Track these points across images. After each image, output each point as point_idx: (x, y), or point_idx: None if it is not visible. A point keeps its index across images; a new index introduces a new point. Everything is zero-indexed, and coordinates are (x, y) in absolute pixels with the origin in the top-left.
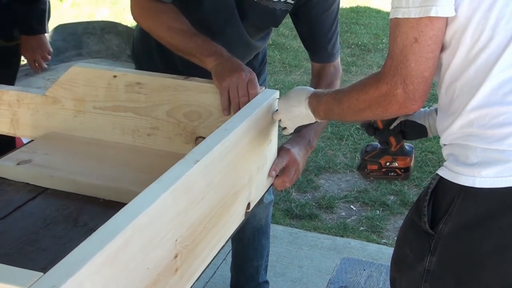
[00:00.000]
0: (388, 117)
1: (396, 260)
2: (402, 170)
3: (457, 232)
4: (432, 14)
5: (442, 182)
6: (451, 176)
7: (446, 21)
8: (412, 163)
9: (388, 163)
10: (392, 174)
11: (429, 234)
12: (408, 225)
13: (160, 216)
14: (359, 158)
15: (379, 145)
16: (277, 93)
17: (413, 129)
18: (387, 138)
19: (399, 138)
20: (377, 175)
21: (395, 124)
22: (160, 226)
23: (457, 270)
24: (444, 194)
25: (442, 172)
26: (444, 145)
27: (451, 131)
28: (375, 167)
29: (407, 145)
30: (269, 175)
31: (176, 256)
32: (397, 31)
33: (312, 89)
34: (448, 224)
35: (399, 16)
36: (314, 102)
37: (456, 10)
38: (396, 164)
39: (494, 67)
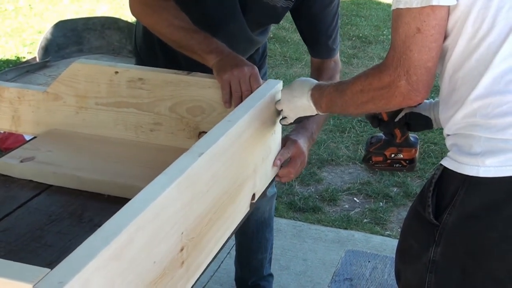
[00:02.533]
0: (392, 109)
1: (401, 252)
2: (407, 162)
3: (461, 222)
4: (434, 2)
5: (446, 172)
6: (455, 166)
7: (448, 10)
8: (417, 155)
9: (393, 155)
10: (397, 165)
11: (433, 225)
12: (413, 216)
13: (166, 209)
14: (364, 149)
15: (383, 136)
16: (280, 84)
17: (418, 121)
18: (392, 130)
19: (404, 130)
20: (382, 166)
21: (400, 116)
22: (166, 220)
23: (462, 260)
24: (448, 184)
25: (446, 162)
26: (448, 135)
27: (454, 121)
28: (380, 158)
29: (412, 136)
30: (274, 164)
31: (182, 249)
32: (399, 22)
33: (316, 81)
34: (453, 214)
35: (401, 6)
36: (317, 94)
37: None
38: (401, 156)
39: (496, 56)
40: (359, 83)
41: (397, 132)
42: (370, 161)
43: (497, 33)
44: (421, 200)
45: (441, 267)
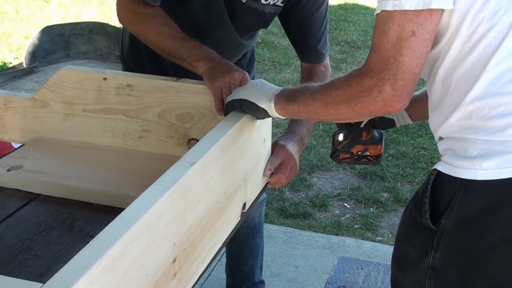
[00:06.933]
0: (367, 117)
1: (398, 259)
2: (373, 157)
3: (460, 226)
4: (433, 6)
5: (441, 177)
6: (450, 171)
7: (442, 14)
8: (382, 150)
9: (360, 152)
10: (364, 160)
11: (431, 230)
12: (408, 223)
13: (158, 221)
14: (331, 145)
15: (349, 133)
16: None
17: (382, 123)
18: (360, 133)
19: (369, 130)
20: (350, 161)
21: (365, 122)
22: (158, 231)
23: (461, 264)
24: (444, 189)
25: (440, 167)
26: (441, 138)
27: (448, 124)
28: (348, 156)
29: (377, 132)
30: (264, 174)
31: (174, 261)
32: (389, 24)
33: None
34: (451, 218)
35: (389, 8)
36: (284, 92)
37: (454, 2)
38: (368, 153)
39: (492, 58)
40: (336, 82)
41: (364, 133)
42: (338, 157)
43: (493, 36)
44: (416, 206)
45: (440, 272)
